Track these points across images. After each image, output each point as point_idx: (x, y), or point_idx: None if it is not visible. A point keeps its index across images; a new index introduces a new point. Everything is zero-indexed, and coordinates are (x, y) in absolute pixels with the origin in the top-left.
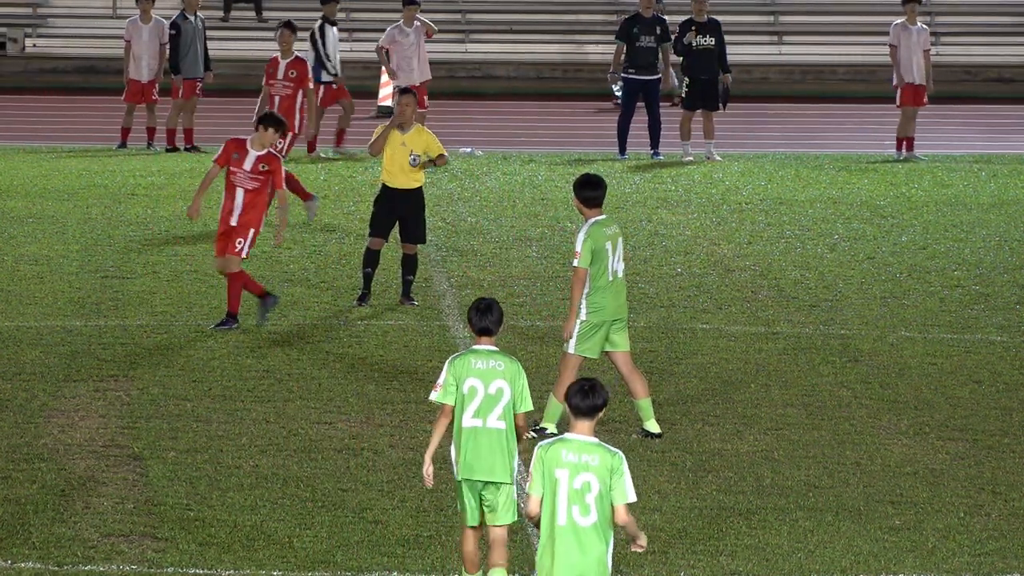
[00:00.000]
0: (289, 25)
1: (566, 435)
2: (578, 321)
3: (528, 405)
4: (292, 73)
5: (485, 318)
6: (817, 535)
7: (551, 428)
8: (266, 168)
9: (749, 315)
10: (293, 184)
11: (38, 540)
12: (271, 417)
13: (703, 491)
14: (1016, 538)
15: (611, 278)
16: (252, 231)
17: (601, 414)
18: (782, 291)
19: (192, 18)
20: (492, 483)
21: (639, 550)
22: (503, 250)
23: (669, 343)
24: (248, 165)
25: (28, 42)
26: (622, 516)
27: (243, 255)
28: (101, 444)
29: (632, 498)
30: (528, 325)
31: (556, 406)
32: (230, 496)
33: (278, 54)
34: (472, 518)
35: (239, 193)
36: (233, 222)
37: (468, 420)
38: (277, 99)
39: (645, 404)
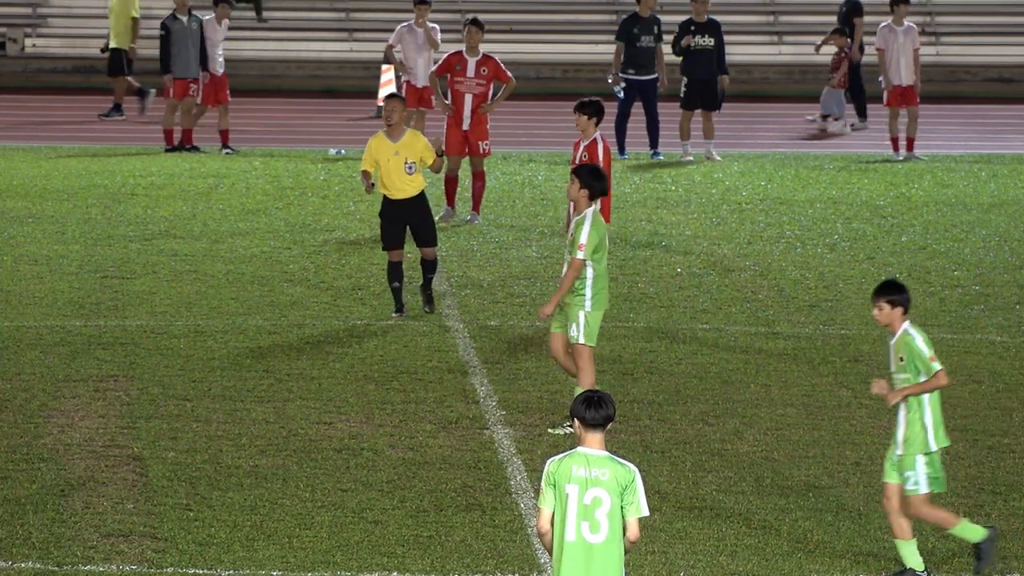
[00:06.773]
0: (476, 22)
1: (577, 449)
2: (582, 312)
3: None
4: (484, 71)
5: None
6: (817, 535)
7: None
8: (587, 156)
9: (749, 315)
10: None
11: (38, 540)
12: (271, 417)
13: (703, 491)
14: (1016, 538)
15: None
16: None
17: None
18: (782, 291)
19: (184, 19)
20: None
21: None
22: (503, 250)
23: (669, 343)
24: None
25: (28, 42)
26: (634, 531)
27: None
28: (101, 444)
29: (645, 512)
30: (528, 325)
31: None
32: (230, 496)
33: (463, 50)
34: None
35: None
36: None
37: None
38: (469, 96)
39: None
